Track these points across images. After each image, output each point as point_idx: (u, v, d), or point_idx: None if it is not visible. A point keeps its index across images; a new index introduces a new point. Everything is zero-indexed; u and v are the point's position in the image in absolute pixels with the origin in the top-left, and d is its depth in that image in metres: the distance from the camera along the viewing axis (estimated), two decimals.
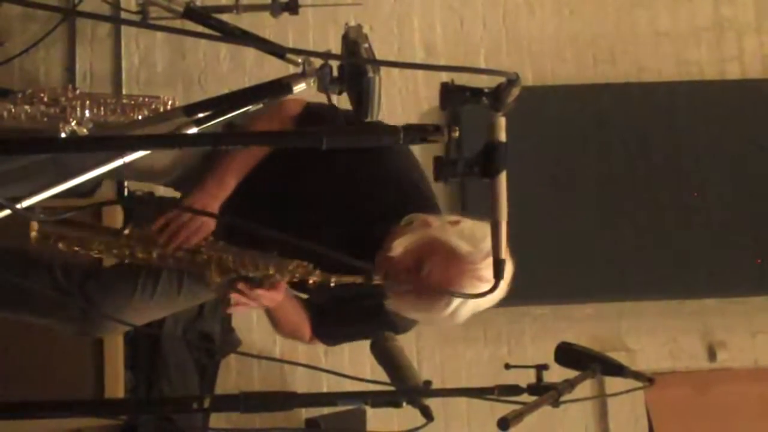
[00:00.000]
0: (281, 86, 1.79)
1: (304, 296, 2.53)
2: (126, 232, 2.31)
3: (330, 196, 2.35)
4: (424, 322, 2.39)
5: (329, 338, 2.65)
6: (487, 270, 2.05)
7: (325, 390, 3.48)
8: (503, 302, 4.01)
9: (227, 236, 2.33)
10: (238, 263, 2.26)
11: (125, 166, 2.25)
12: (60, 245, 2.29)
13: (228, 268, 2.27)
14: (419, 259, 2.20)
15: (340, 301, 2.44)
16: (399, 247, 2.20)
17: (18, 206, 1.59)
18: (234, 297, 2.25)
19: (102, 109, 2.36)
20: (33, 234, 2.26)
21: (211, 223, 2.32)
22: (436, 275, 2.17)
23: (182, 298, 2.62)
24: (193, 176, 2.46)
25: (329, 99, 1.84)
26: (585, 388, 1.85)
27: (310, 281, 2.18)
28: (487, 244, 2.01)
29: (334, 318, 2.53)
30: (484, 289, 1.89)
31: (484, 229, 2.08)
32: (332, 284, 2.15)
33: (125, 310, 2.56)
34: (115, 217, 3.15)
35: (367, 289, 2.20)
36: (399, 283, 2.20)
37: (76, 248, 2.31)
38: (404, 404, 1.74)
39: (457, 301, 2.17)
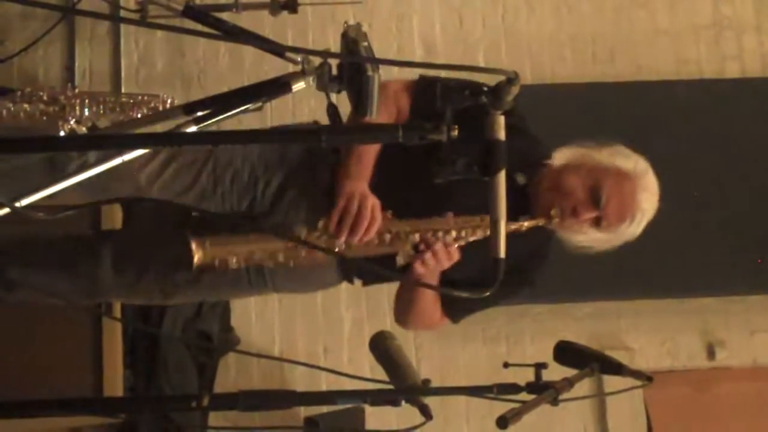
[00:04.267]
0: (280, 85, 1.79)
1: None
2: (303, 236, 2.21)
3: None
4: (605, 244, 2.43)
5: (461, 314, 2.62)
6: (650, 182, 2.40)
7: (324, 389, 3.48)
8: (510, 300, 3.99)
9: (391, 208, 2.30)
10: (429, 232, 2.23)
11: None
12: (227, 264, 2.20)
13: (418, 240, 2.24)
14: (590, 188, 2.33)
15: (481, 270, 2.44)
16: (560, 158, 2.39)
17: (17, 204, 1.59)
18: (418, 269, 2.25)
19: (101, 107, 2.36)
20: (196, 259, 2.18)
21: (377, 201, 2.27)
22: (614, 199, 2.33)
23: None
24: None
25: (328, 97, 1.84)
26: (584, 386, 1.85)
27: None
28: (637, 158, 2.39)
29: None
30: (653, 199, 2.39)
31: (625, 148, 2.42)
32: (524, 229, 2.23)
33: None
34: (115, 215, 3.14)
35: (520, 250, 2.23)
36: (580, 218, 2.32)
37: (245, 262, 2.22)
38: (403, 403, 1.74)
39: (638, 217, 2.36)
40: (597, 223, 2.35)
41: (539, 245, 2.47)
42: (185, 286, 2.49)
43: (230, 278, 2.44)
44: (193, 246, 2.18)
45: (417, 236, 2.25)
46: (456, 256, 2.27)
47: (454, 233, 2.24)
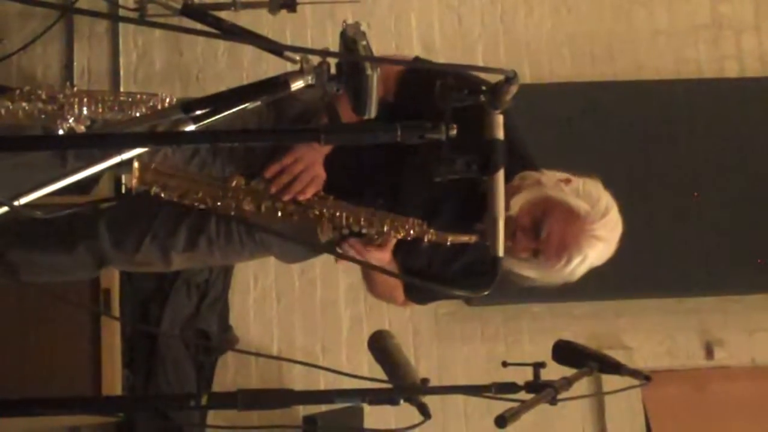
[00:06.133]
0: (279, 83, 1.79)
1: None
2: (234, 183, 2.26)
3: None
4: (539, 279, 2.35)
5: (423, 299, 2.67)
6: (603, 229, 2.24)
7: (322, 388, 3.48)
8: (500, 300, 3.99)
9: (331, 189, 2.30)
10: (352, 219, 2.23)
11: None
12: (162, 194, 2.23)
13: (340, 224, 2.24)
14: (536, 219, 2.24)
15: (437, 263, 2.42)
16: (516, 205, 2.23)
17: (16, 203, 1.59)
18: (344, 247, 2.25)
19: (100, 106, 2.36)
20: (134, 181, 2.21)
21: (323, 176, 2.29)
22: (554, 236, 2.22)
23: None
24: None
25: (327, 96, 1.84)
26: (582, 385, 1.85)
27: (425, 240, 2.18)
28: (603, 202, 2.24)
29: (428, 279, 2.47)
30: (601, 247, 2.20)
31: (597, 186, 2.28)
32: (449, 243, 2.15)
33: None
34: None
35: (469, 249, 2.19)
36: (517, 245, 2.24)
37: (178, 197, 2.25)
38: (402, 402, 1.74)
39: (576, 260, 2.23)
40: (534, 255, 2.27)
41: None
42: (182, 251, 2.53)
43: (223, 239, 2.50)
44: (135, 166, 2.22)
45: (341, 221, 2.25)
46: (386, 253, 2.27)
47: (376, 226, 2.23)
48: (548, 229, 2.23)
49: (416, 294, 2.60)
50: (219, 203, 2.26)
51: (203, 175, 2.35)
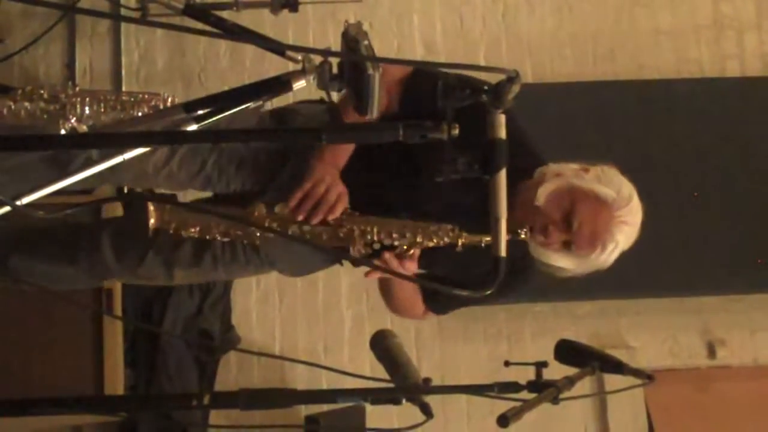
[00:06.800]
0: (281, 83, 1.79)
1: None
2: (256, 213, 2.21)
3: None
4: (575, 269, 2.37)
5: (444, 309, 2.66)
6: (630, 214, 2.30)
7: (324, 387, 3.48)
8: (503, 300, 3.98)
9: (355, 204, 2.28)
10: (383, 233, 2.21)
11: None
12: (182, 232, 2.19)
13: (372, 239, 2.21)
14: (565, 210, 2.27)
15: (461, 269, 2.39)
16: (542, 195, 2.27)
17: (18, 203, 1.59)
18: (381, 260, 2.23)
19: (102, 106, 2.36)
20: (151, 222, 2.17)
21: (346, 192, 2.27)
22: (586, 226, 2.26)
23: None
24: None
25: (329, 96, 1.84)
26: (584, 385, 1.85)
27: (459, 244, 2.17)
28: (626, 188, 2.30)
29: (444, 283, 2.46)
30: (629, 232, 2.29)
31: (614, 172, 2.34)
32: (483, 245, 2.12)
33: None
34: (116, 214, 3.15)
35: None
36: (550, 238, 2.28)
37: (199, 233, 2.21)
38: (404, 401, 1.74)
39: (610, 247, 2.28)
40: (567, 246, 2.30)
41: (521, 256, 2.37)
42: (186, 266, 2.51)
43: (228, 256, 2.48)
44: (151, 209, 2.19)
45: (373, 236, 2.22)
46: (411, 260, 2.25)
47: (408, 238, 2.20)
48: (579, 219, 2.26)
49: (435, 303, 2.58)
50: (240, 233, 2.22)
51: (221, 206, 2.31)
